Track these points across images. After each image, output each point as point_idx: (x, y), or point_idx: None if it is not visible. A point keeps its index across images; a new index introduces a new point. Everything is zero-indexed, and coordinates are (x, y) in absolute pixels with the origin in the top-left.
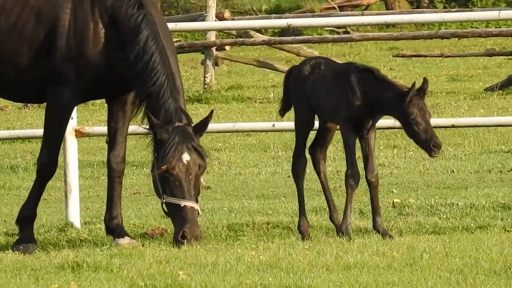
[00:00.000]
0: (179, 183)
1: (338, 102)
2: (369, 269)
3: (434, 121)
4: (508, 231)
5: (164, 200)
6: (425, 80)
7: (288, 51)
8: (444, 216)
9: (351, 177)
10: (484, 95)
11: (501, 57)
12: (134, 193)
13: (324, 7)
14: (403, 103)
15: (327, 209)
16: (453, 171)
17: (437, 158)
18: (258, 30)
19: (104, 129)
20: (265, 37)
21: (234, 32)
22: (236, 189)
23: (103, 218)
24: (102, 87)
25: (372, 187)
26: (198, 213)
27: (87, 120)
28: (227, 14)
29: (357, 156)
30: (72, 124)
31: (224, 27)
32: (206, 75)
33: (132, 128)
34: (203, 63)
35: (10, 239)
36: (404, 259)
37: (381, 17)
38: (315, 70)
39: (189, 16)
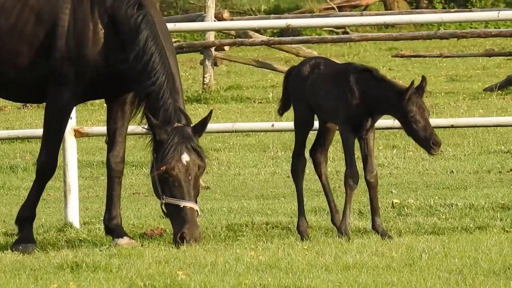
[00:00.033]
0: (178, 184)
1: (337, 102)
2: (368, 269)
3: (433, 121)
4: (507, 231)
5: (163, 201)
6: (423, 79)
7: (287, 52)
8: (443, 217)
9: (350, 177)
10: (483, 95)
11: (500, 57)
12: (133, 193)
13: (323, 7)
14: (402, 101)
15: (328, 210)
16: (452, 171)
17: (436, 158)
18: (257, 31)
19: (103, 129)
20: (264, 38)
21: (233, 32)
22: (235, 189)
23: (102, 218)
24: (102, 88)
25: (371, 187)
26: (198, 214)
27: (86, 120)
28: (226, 14)
29: (356, 156)
30: (71, 124)
31: (223, 28)
32: (205, 75)
33: (131, 128)
34: (202, 63)
35: (9, 239)
36: (403, 259)
37: (380, 18)
38: (314, 70)
39: (188, 17)
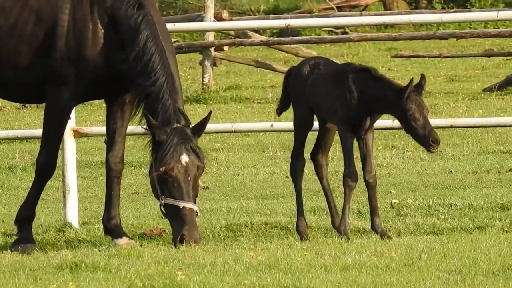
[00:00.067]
0: (177, 185)
1: (336, 102)
2: (367, 269)
3: (432, 121)
4: (506, 231)
5: (162, 202)
6: (422, 77)
7: (286, 52)
8: (442, 217)
9: (349, 177)
10: (483, 95)
11: (500, 57)
12: (133, 193)
13: (322, 7)
14: (401, 99)
15: (327, 210)
16: (451, 171)
17: (435, 158)
18: (257, 31)
19: (102, 129)
20: (264, 38)
21: (232, 32)
22: (234, 189)
23: (102, 218)
24: (101, 88)
25: (370, 187)
26: (197, 214)
27: (85, 120)
28: (225, 14)
29: (355, 156)
30: (70, 124)
31: (222, 28)
32: (205, 76)
33: (130, 128)
34: (202, 63)
35: (8, 239)
36: (402, 259)
37: (380, 18)
38: (314, 70)
39: (187, 17)
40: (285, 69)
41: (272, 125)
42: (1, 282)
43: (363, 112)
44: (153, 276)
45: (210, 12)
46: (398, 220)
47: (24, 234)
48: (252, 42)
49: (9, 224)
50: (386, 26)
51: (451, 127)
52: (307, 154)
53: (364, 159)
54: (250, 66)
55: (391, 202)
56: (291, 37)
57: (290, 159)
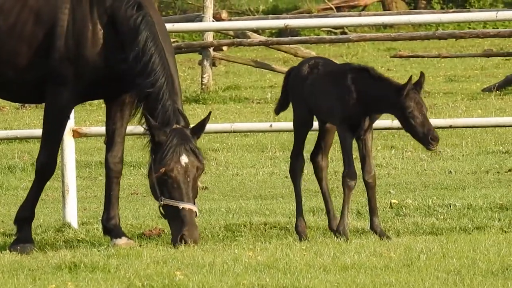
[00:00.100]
0: (177, 185)
1: (335, 102)
2: (366, 269)
3: (431, 121)
4: (505, 231)
5: (162, 202)
6: (422, 75)
7: (285, 52)
8: (442, 217)
9: (348, 177)
10: (482, 95)
11: (499, 57)
12: (132, 194)
13: (321, 7)
14: (400, 96)
15: (326, 215)
16: (450, 171)
17: (435, 158)
18: (256, 31)
19: (101, 129)
20: (263, 38)
21: (231, 32)
22: (234, 189)
23: (101, 218)
24: (101, 88)
25: (370, 187)
26: (196, 215)
27: (84, 121)
28: (224, 14)
29: (354, 156)
30: (70, 124)
31: (221, 28)
32: (204, 76)
33: (129, 128)
34: (201, 63)
35: (7, 239)
36: (401, 259)
37: (379, 18)
38: (313, 70)
39: (186, 17)
40: (284, 69)
41: (271, 125)
42: (0, 282)
43: (362, 111)
44: (152, 276)
45: (209, 12)
46: (397, 220)
47: (23, 234)
48: (251, 42)
49: (8, 224)
50: (385, 26)
51: (450, 127)
52: (306, 154)
53: (364, 159)
54: (249, 66)
55: (390, 202)
56: (290, 37)
57: (289, 159)
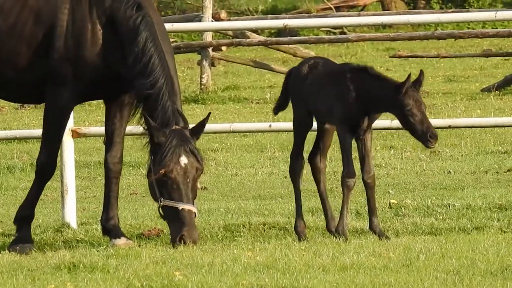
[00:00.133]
0: (177, 186)
1: (334, 102)
2: (365, 270)
3: (431, 121)
4: (504, 232)
5: (161, 203)
6: (421, 73)
7: (284, 52)
8: (441, 217)
9: (348, 177)
10: (481, 95)
11: (498, 57)
12: (131, 194)
13: (320, 7)
14: (399, 94)
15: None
16: (449, 172)
17: (434, 158)
18: (255, 31)
19: (100, 129)
20: (262, 38)
21: (230, 32)
22: (233, 189)
23: (100, 218)
24: (101, 88)
25: (369, 188)
26: (195, 216)
27: (83, 121)
28: (223, 14)
29: (353, 156)
30: (69, 124)
31: (220, 28)
32: (203, 76)
33: (129, 128)
34: (200, 63)
35: (6, 239)
36: (400, 260)
37: (378, 18)
38: (313, 70)
39: (185, 17)
40: (283, 69)
41: (270, 126)
42: None
43: (362, 111)
44: (151, 276)
45: (208, 12)
46: (396, 221)
47: (22, 234)
48: (250, 42)
49: (7, 224)
50: (384, 26)
51: (450, 127)
52: (306, 155)
53: (363, 159)
54: (248, 66)
55: (389, 203)
56: (289, 37)
57: (289, 159)
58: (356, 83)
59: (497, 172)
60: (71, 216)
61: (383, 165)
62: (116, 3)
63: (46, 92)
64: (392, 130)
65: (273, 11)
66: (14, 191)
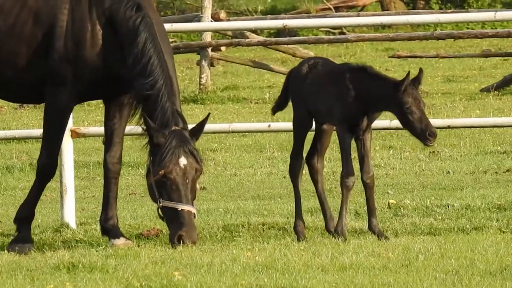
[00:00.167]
0: (176, 187)
1: (334, 102)
2: (364, 270)
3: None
4: (503, 232)
5: (160, 204)
6: (420, 71)
7: (283, 52)
8: (440, 217)
9: (347, 177)
10: (480, 96)
11: (497, 58)
12: (130, 194)
13: (319, 8)
14: (398, 92)
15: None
16: (448, 172)
17: (433, 159)
18: (254, 31)
19: (99, 129)
20: (261, 38)
21: (229, 32)
22: (232, 190)
23: (99, 218)
24: (100, 88)
25: (368, 188)
26: (195, 216)
27: (82, 121)
28: (222, 15)
29: (352, 157)
30: (68, 124)
31: (219, 28)
32: (202, 76)
33: (128, 128)
34: (199, 63)
35: (5, 239)
36: (399, 260)
37: (377, 18)
38: (312, 70)
39: (184, 17)
40: (283, 69)
41: (269, 126)
42: None
43: (361, 111)
44: (150, 276)
45: (208, 12)
46: (395, 221)
47: (22, 234)
48: (249, 42)
49: (6, 224)
50: (383, 26)
51: (449, 127)
52: (306, 155)
53: (362, 159)
54: (247, 66)
55: (389, 203)
56: (288, 38)
57: (288, 159)
58: (355, 83)
59: (496, 172)
60: (70, 216)
61: (382, 165)
62: (115, 3)
63: (46, 92)
64: (391, 130)
65: (272, 11)
66: (13, 191)
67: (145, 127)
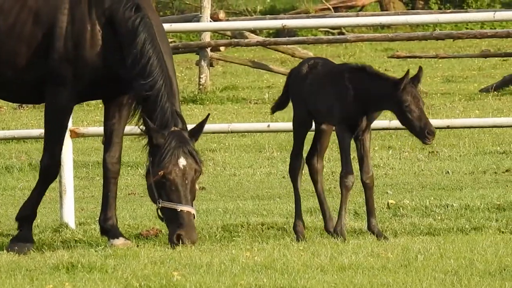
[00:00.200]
0: (175, 188)
1: (333, 102)
2: (363, 270)
3: None
4: (502, 232)
5: (160, 205)
6: (420, 69)
7: (283, 52)
8: (439, 217)
9: (346, 178)
10: (479, 96)
11: (496, 58)
12: (129, 194)
13: (319, 8)
14: (397, 90)
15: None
16: (448, 172)
17: (432, 159)
18: (253, 31)
19: (98, 129)
20: (260, 38)
21: (229, 33)
22: (231, 190)
23: (98, 218)
24: (100, 88)
25: (367, 188)
26: (194, 217)
27: (82, 121)
28: (222, 15)
29: (352, 157)
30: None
31: (219, 28)
32: (201, 76)
33: (127, 128)
34: (198, 64)
35: (5, 239)
36: (398, 260)
37: (376, 18)
38: (312, 70)
39: (184, 17)
40: (282, 69)
41: (268, 126)
42: None
43: (361, 111)
44: (149, 276)
45: (207, 12)
46: (395, 221)
47: (23, 233)
48: (248, 42)
49: (5, 224)
50: (382, 26)
51: (448, 127)
52: (306, 155)
53: (362, 159)
54: (246, 66)
55: (388, 203)
56: (287, 38)
57: (287, 159)
58: (355, 83)
59: (495, 173)
60: (69, 216)
61: (382, 165)
62: (115, 4)
63: (46, 92)
64: (390, 131)
65: (272, 12)
66: (12, 191)
67: (144, 128)
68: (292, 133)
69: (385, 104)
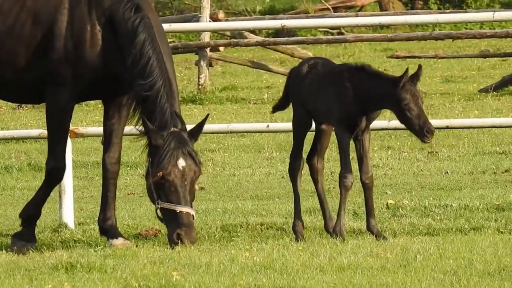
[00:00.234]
0: (174, 189)
1: (332, 102)
2: (363, 270)
3: None
4: (502, 232)
5: (159, 206)
6: (419, 67)
7: (282, 52)
8: (438, 218)
9: (345, 178)
10: (479, 96)
11: (495, 58)
12: (128, 194)
13: (318, 8)
14: (396, 88)
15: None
16: (447, 172)
17: (431, 159)
18: (252, 31)
19: (98, 129)
20: (259, 38)
21: (228, 33)
22: (230, 190)
23: (97, 218)
24: (99, 89)
25: (367, 188)
26: (193, 218)
27: (81, 121)
28: (221, 15)
29: (351, 157)
30: None
31: (218, 28)
32: (200, 76)
33: (127, 129)
34: (197, 64)
35: (4, 239)
36: (398, 260)
37: (375, 18)
38: (312, 70)
39: (183, 17)
40: (281, 69)
41: (268, 126)
42: None
43: (360, 110)
44: (148, 276)
45: (206, 12)
46: (394, 221)
47: (25, 231)
48: (247, 42)
49: (5, 224)
50: (382, 26)
51: (447, 128)
52: (305, 155)
53: (361, 160)
54: (246, 66)
55: (387, 203)
56: (287, 38)
57: (288, 159)
58: (354, 83)
59: (494, 173)
60: (68, 216)
61: (381, 165)
62: (115, 4)
63: (46, 92)
64: (389, 131)
65: (271, 12)
66: (12, 191)
67: (142, 129)
68: (291, 133)
69: (385, 103)
